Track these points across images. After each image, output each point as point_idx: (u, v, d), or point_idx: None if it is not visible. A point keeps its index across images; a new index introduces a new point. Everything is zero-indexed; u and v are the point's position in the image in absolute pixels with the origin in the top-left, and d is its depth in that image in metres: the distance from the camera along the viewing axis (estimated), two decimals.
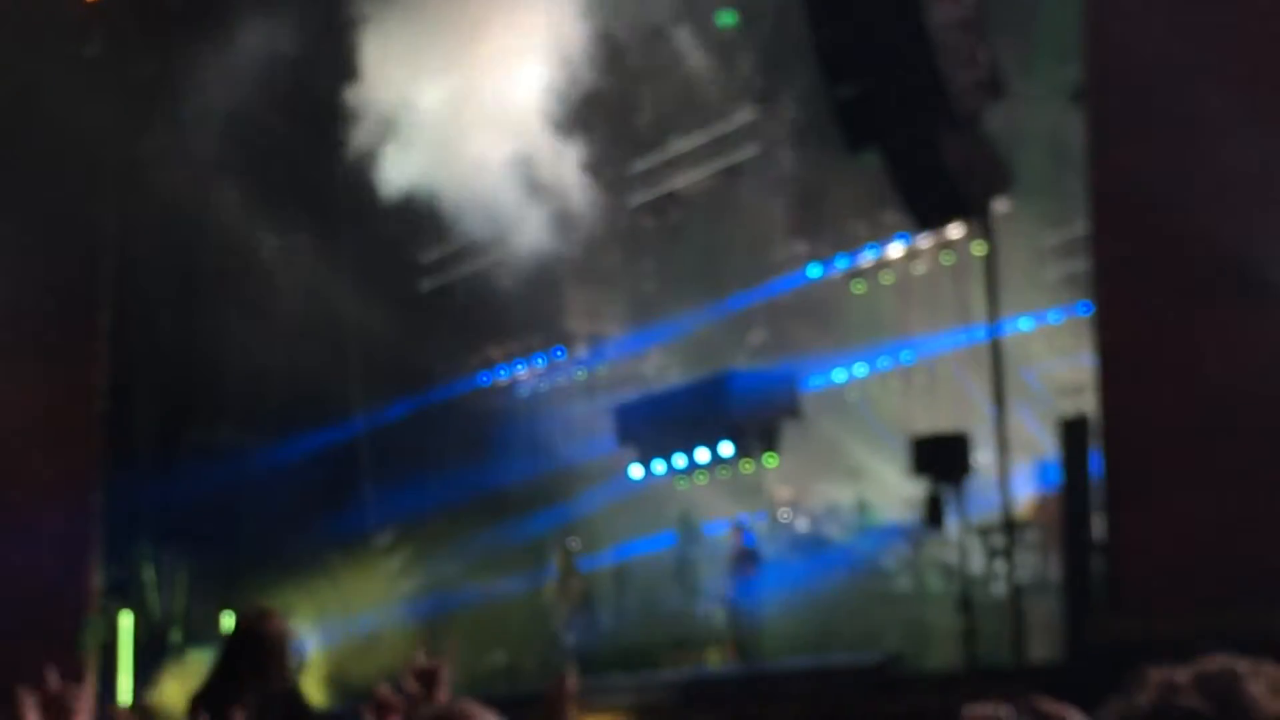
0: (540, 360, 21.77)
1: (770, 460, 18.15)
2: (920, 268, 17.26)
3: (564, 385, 21.70)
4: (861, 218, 17.70)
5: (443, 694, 4.87)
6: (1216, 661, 1.65)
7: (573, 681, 4.93)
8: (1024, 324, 16.45)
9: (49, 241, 21.04)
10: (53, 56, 18.86)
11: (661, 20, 17.49)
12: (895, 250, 17.82)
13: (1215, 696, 1.61)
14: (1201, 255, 10.57)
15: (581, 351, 21.50)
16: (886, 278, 18.23)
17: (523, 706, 4.27)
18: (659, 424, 18.88)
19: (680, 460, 18.55)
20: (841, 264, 18.57)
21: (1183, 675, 1.64)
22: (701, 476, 18.76)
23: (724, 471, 18.34)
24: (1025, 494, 14.42)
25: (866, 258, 18.35)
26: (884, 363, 18.81)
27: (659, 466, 18.88)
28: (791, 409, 18.21)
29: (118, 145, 18.97)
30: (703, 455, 18.25)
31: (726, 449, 18.02)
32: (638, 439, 19.06)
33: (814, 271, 18.89)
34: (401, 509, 20.71)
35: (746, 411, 18.07)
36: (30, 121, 19.27)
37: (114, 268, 20.85)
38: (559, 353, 21.57)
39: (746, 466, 18.23)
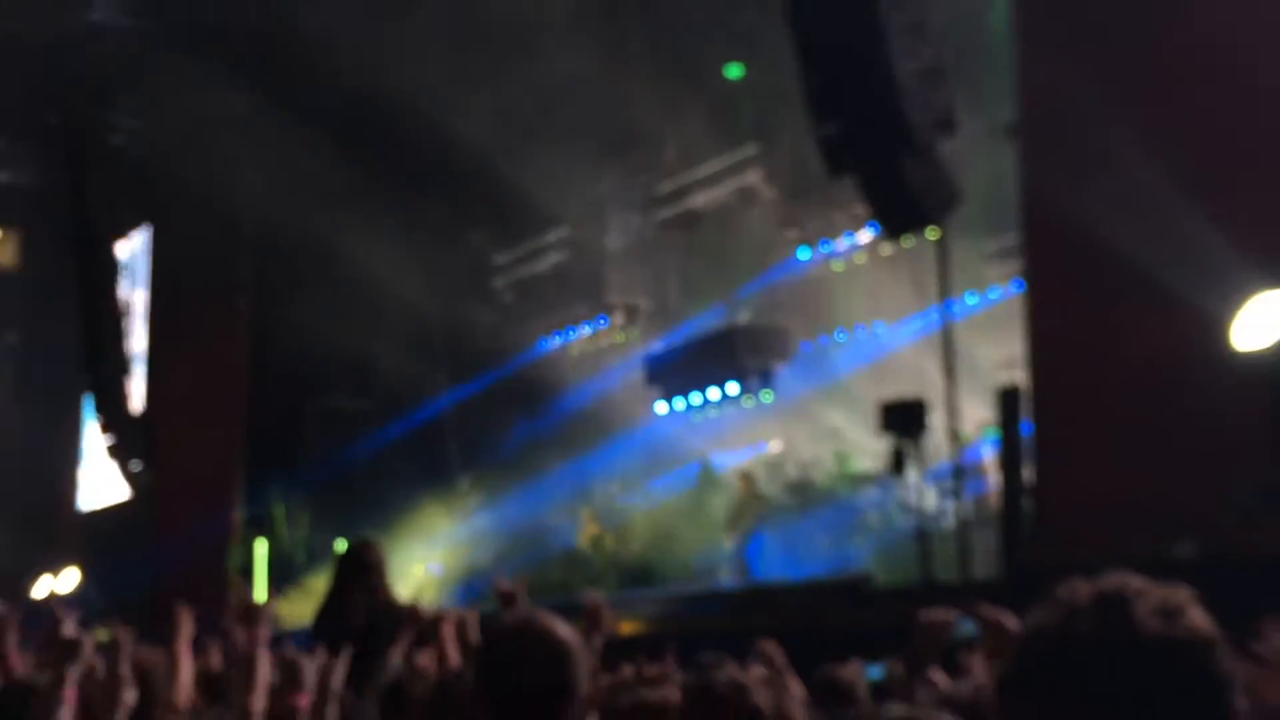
0: (586, 327, 21.71)
1: (766, 396, 18.17)
2: (887, 249, 17.13)
3: (605, 347, 21.64)
4: (840, 210, 17.66)
5: (520, 607, 4.91)
6: (1112, 582, 1.62)
7: (601, 597, 4.96)
8: (970, 299, 16.37)
9: (200, 239, 21.14)
10: None
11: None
12: (866, 236, 17.75)
13: (1107, 616, 1.56)
14: (1115, 261, 10.52)
15: (619, 319, 21.37)
16: (860, 258, 18.17)
17: (574, 612, 4.27)
18: (679, 368, 18.96)
19: (696, 398, 18.64)
20: (825, 248, 18.51)
21: (1082, 594, 1.61)
22: (714, 411, 18.79)
23: (732, 405, 18.38)
24: (989, 455, 14.42)
25: (844, 243, 18.29)
26: (860, 335, 18.71)
27: (679, 404, 18.96)
28: (784, 354, 18.31)
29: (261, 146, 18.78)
30: (714, 394, 18.33)
31: (733, 388, 18.09)
32: (662, 381, 19.15)
33: (803, 254, 18.80)
34: (477, 459, 20.77)
35: (749, 357, 18.13)
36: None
37: (252, 262, 20.91)
38: (602, 321, 21.52)
39: (748, 402, 18.25)
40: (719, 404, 18.50)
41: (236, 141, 19.13)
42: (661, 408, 19.21)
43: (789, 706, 3.96)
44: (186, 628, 4.48)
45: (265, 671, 3.55)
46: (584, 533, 18.71)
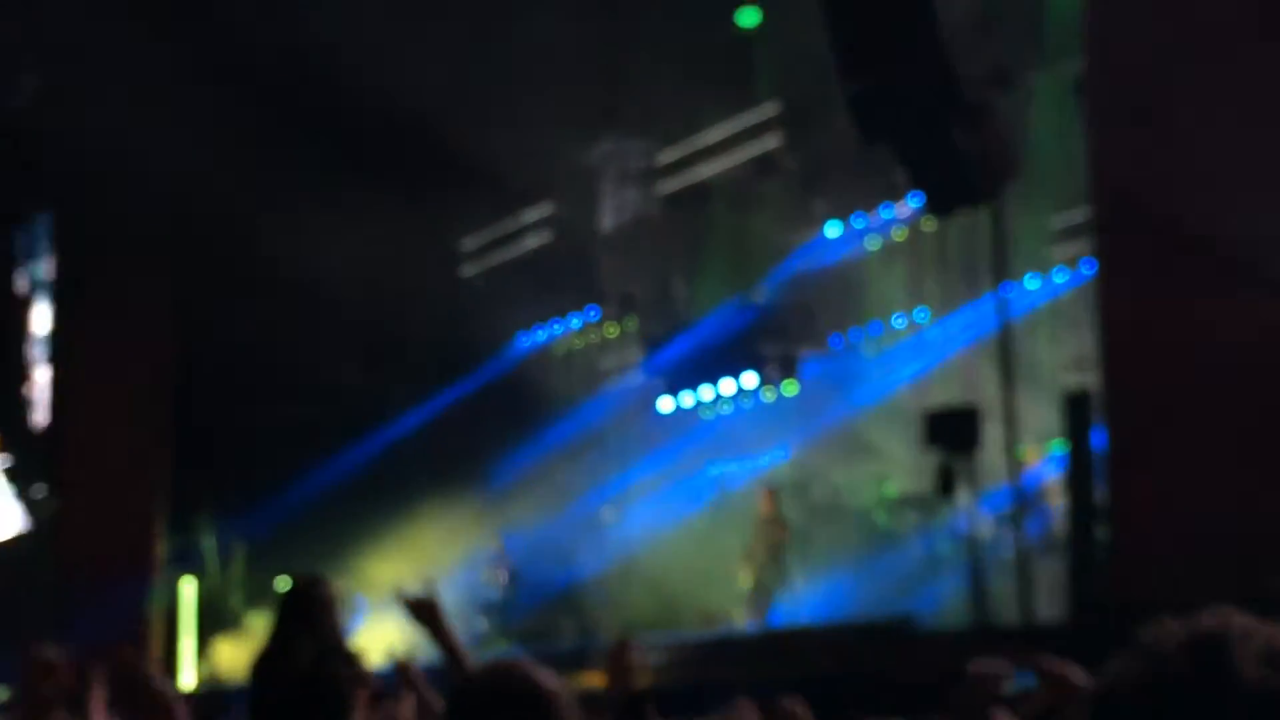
0: (574, 321, 21.74)
1: (790, 389, 18.18)
2: (931, 227, 17.09)
3: (596, 344, 21.68)
4: (876, 180, 17.62)
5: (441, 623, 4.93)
6: (1210, 620, 1.58)
7: (635, 645, 4.93)
8: (1031, 286, 16.39)
9: (113, 225, 21.09)
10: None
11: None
12: (906, 210, 17.68)
13: (1203, 664, 1.55)
14: (1199, 241, 10.53)
15: (612, 311, 21.43)
16: (899, 237, 18.16)
17: (562, 664, 4.28)
18: (685, 356, 18.93)
19: (707, 392, 18.60)
20: (858, 225, 18.49)
21: (1173, 637, 1.58)
22: (726, 407, 18.82)
23: (749, 400, 18.40)
24: (1054, 473, 14.45)
25: (880, 218, 18.23)
26: (899, 329, 18.70)
27: (686, 399, 18.94)
28: (810, 340, 18.30)
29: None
30: (728, 386, 18.33)
31: (750, 379, 18.09)
32: (666, 371, 19.14)
33: (832, 231, 18.76)
34: (447, 482, 20.75)
35: (769, 342, 18.14)
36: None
37: (175, 251, 20.87)
38: (592, 313, 21.53)
39: (768, 394, 18.27)
40: (733, 399, 18.54)
41: (155, 111, 19.12)
42: (666, 404, 19.26)
43: None
44: (100, 692, 4.50)
45: None
46: None
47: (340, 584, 7.25)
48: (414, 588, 5.40)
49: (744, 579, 16.87)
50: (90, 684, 4.57)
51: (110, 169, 19.71)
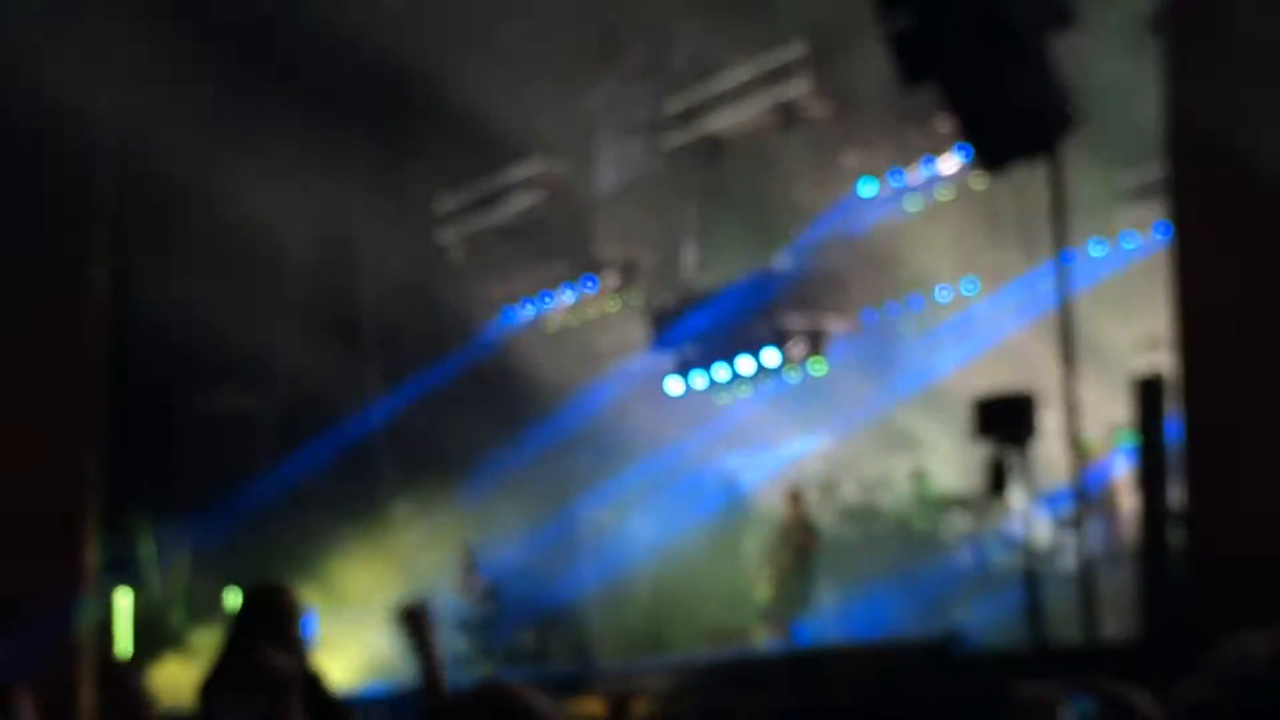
0: (568, 293, 21.74)
1: (817, 367, 18.22)
2: (980, 184, 17.07)
3: (593, 318, 21.70)
4: (917, 129, 17.58)
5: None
6: None
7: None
8: (1097, 253, 16.41)
9: (39, 182, 21.09)
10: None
11: None
12: (952, 165, 17.64)
13: None
14: None
15: (612, 281, 21.42)
16: (944, 195, 18.13)
17: (555, 688, 4.27)
18: (697, 332, 18.96)
19: (722, 371, 18.66)
20: (896, 182, 18.44)
21: (1256, 654, 1.58)
22: (744, 390, 18.87)
23: (770, 381, 18.46)
24: (1122, 469, 14.49)
25: (921, 174, 18.19)
26: (943, 303, 18.70)
27: (698, 380, 18.99)
28: (840, 311, 18.34)
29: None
30: (746, 366, 18.38)
31: (771, 357, 18.13)
32: (676, 347, 19.19)
33: (866, 189, 18.71)
34: (419, 478, 20.77)
35: (793, 314, 18.19)
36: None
37: (109, 212, 20.86)
38: (589, 283, 21.51)
39: (792, 375, 18.32)
40: (752, 379, 18.59)
41: (90, 49, 19.12)
42: (674, 385, 19.30)
43: None
44: (29, 716, 4.53)
45: None
46: None
47: (301, 594, 7.30)
48: (406, 599, 5.58)
49: (763, 592, 16.90)
50: (16, 704, 4.62)
51: (37, 115, 19.70)
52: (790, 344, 18.39)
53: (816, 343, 18.38)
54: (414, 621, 5.34)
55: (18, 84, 19.29)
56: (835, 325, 18.68)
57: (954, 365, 17.64)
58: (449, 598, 19.01)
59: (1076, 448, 12.68)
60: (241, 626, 6.84)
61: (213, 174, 18.54)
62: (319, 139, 19.20)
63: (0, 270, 22.37)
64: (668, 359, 19.47)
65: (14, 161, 21.31)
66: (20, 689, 4.64)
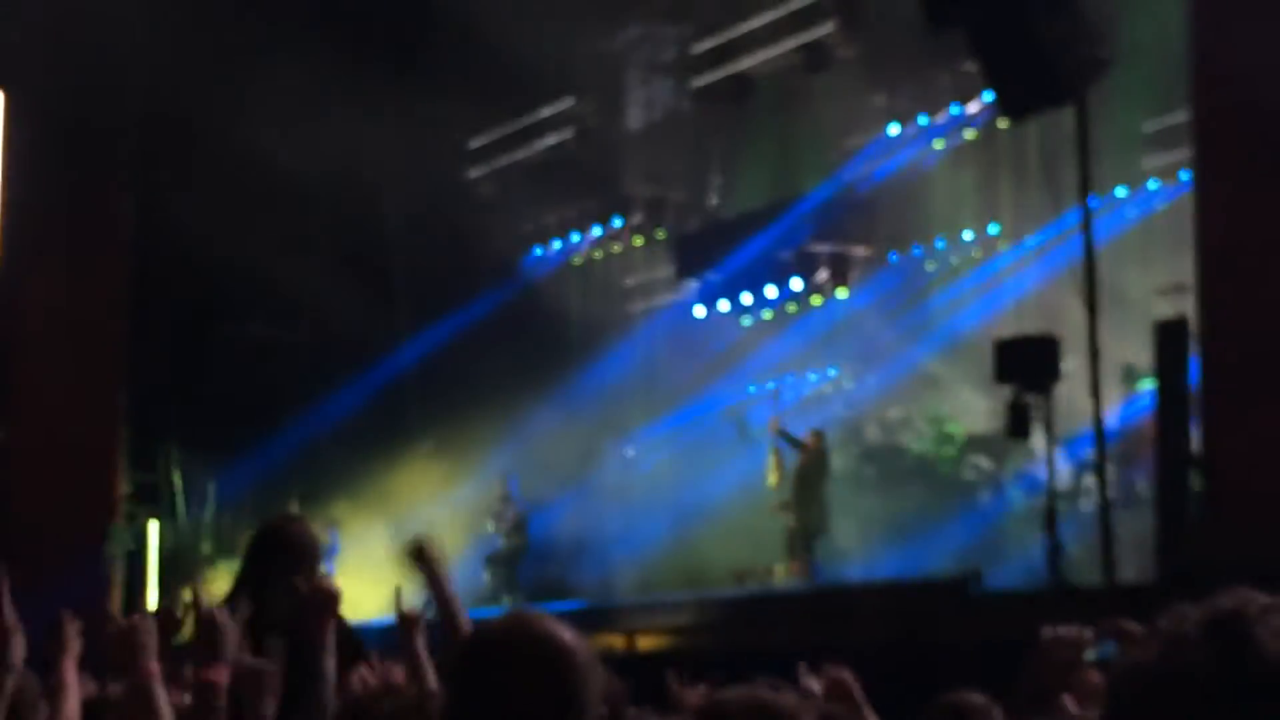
0: (596, 230, 21.73)
1: (842, 293, 18.25)
2: (1006, 128, 16.98)
3: (620, 255, 21.68)
4: (944, 73, 17.50)
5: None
6: (1230, 602, 1.63)
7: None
8: (1121, 196, 16.35)
9: (68, 112, 21.09)
10: None
11: None
12: (978, 109, 17.54)
13: (1222, 647, 1.59)
14: None
15: (639, 219, 21.41)
16: (971, 137, 18.06)
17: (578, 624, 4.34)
18: (723, 256, 18.97)
19: (747, 297, 18.68)
20: (922, 124, 18.39)
21: (1191, 623, 1.63)
22: (768, 315, 18.89)
23: (795, 307, 18.49)
24: (1144, 413, 14.46)
25: (947, 117, 18.12)
26: (967, 246, 18.66)
27: (723, 304, 19.03)
28: (866, 241, 18.30)
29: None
30: (771, 291, 18.41)
31: (796, 283, 18.16)
32: (701, 272, 19.21)
33: (893, 130, 18.69)
34: (447, 422, 20.74)
35: (819, 240, 18.17)
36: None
37: (137, 143, 20.86)
38: (616, 221, 21.51)
39: (816, 301, 18.34)
40: (777, 304, 18.59)
41: None
42: (699, 311, 19.33)
43: None
44: (73, 644, 4.60)
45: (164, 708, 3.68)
46: None
47: (318, 524, 7.36)
48: (415, 534, 5.54)
49: (788, 519, 16.76)
50: (63, 640, 4.68)
51: (68, 47, 19.71)
52: (816, 270, 18.39)
53: (842, 270, 18.38)
54: (422, 557, 5.30)
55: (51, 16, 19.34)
56: (860, 252, 18.66)
57: (977, 310, 17.62)
58: (481, 532, 19.10)
59: (1096, 390, 12.69)
60: (254, 558, 6.81)
61: (240, 108, 18.53)
62: (350, 76, 19.19)
63: (37, 207, 22.46)
64: (693, 287, 19.51)
65: (45, 99, 21.36)
66: (68, 615, 4.71)
